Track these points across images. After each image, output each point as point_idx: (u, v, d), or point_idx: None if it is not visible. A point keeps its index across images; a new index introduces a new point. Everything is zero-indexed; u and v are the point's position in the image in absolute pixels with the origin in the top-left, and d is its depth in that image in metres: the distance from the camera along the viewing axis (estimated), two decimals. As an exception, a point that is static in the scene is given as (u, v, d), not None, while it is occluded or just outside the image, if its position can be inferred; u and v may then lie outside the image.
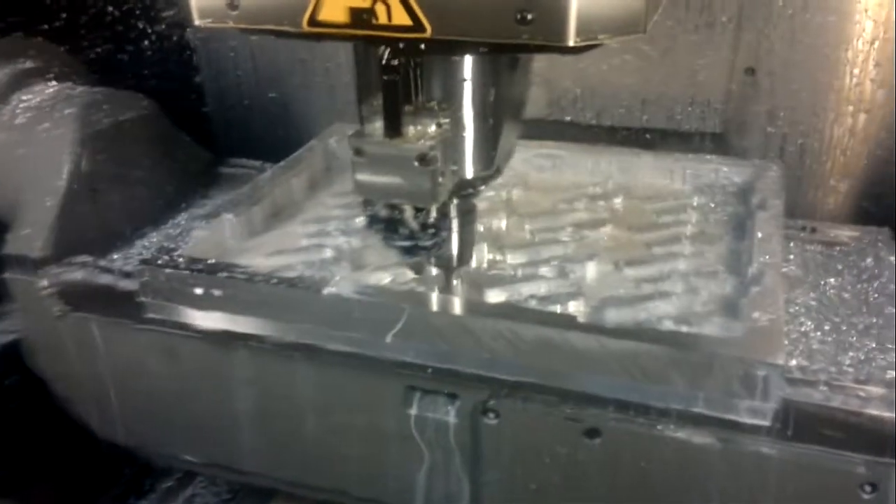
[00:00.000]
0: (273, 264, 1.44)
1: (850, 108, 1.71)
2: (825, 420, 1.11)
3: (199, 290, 1.31)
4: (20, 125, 1.60)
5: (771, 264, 1.27)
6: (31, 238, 1.50)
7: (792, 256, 1.49)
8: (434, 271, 1.33)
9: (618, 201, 1.61)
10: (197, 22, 1.05)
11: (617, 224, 1.53)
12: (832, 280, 1.42)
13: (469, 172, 1.17)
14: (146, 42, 1.95)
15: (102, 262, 1.54)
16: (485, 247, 1.46)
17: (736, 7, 1.72)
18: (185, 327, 1.36)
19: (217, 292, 1.31)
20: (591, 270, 1.38)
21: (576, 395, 1.18)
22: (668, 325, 1.22)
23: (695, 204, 1.60)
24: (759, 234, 1.36)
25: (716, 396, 1.10)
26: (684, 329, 1.21)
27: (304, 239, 1.55)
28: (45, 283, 1.49)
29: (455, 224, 1.25)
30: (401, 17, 0.93)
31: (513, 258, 1.43)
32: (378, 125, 1.10)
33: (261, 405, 1.42)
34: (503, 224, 1.55)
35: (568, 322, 1.16)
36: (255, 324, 1.31)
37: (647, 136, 1.85)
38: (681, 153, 1.70)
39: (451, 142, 1.12)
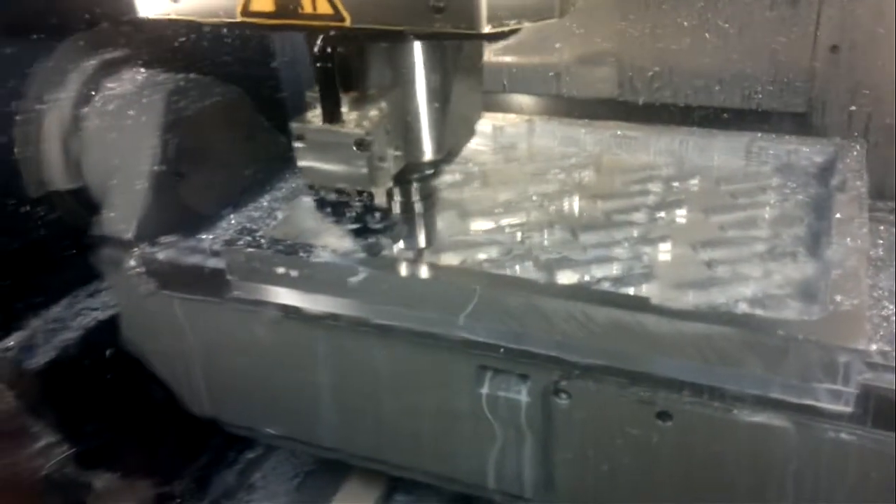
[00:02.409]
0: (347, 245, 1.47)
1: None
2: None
3: (280, 270, 1.36)
4: (110, 112, 1.67)
5: (853, 247, 1.24)
6: (121, 220, 1.57)
7: (879, 240, 1.44)
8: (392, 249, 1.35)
9: (693, 182, 1.58)
10: (140, 13, 1.11)
11: (692, 206, 1.51)
12: (919, 265, 1.38)
13: (415, 157, 1.20)
14: (225, 29, 2.00)
15: (188, 243, 1.59)
16: (556, 228, 1.46)
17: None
18: (266, 305, 1.41)
19: (295, 272, 1.35)
20: (664, 252, 1.37)
21: (648, 378, 1.18)
22: (744, 309, 1.20)
23: (773, 185, 1.56)
24: (839, 216, 1.32)
25: (793, 381, 1.08)
26: (760, 312, 1.18)
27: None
28: (133, 263, 1.56)
29: (416, 206, 1.27)
30: (323, 7, 0.98)
31: (585, 239, 1.43)
32: (319, 111, 1.13)
33: (337, 381, 1.46)
34: (575, 205, 1.55)
35: (641, 304, 1.16)
36: (332, 303, 1.35)
37: (725, 115, 1.82)
38: (758, 133, 1.66)
39: (394, 127, 1.15)
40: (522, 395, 1.29)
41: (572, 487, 1.37)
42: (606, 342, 1.18)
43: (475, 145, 1.82)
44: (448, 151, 1.25)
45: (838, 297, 1.13)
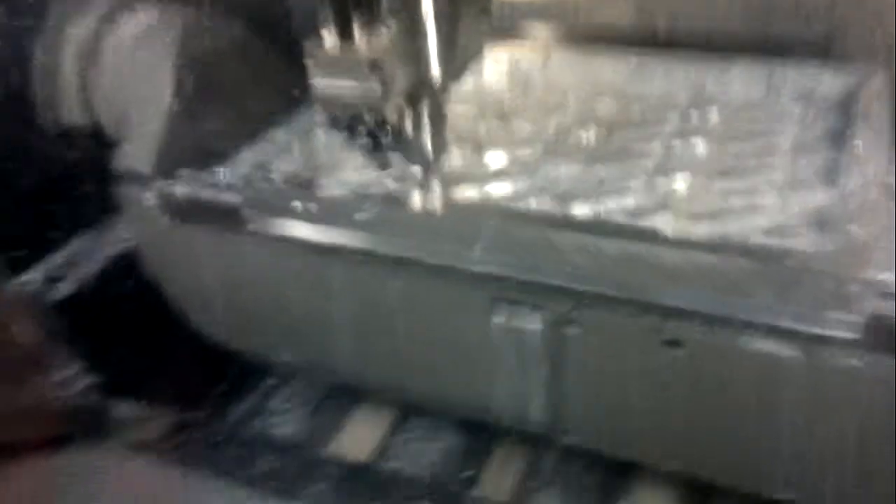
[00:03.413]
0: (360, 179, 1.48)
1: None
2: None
3: (293, 204, 1.37)
4: (126, 48, 1.67)
5: (870, 175, 1.23)
6: (139, 155, 1.59)
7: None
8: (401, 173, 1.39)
9: (711, 112, 1.57)
10: None
11: (709, 135, 1.49)
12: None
13: (424, 76, 1.24)
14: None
15: (205, 177, 1.61)
16: (575, 160, 1.46)
17: None
18: (282, 239, 1.43)
19: (312, 206, 1.36)
20: (679, 183, 1.36)
21: (659, 308, 1.19)
22: (758, 239, 1.20)
23: (793, 114, 1.54)
24: (859, 144, 1.30)
25: (804, 310, 1.09)
26: (774, 242, 1.19)
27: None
28: (152, 197, 1.58)
29: (424, 123, 1.29)
30: None
31: (600, 170, 1.43)
32: (332, 31, 1.15)
33: (353, 311, 1.50)
34: (592, 136, 1.54)
35: (652, 236, 1.16)
36: (346, 236, 1.36)
37: (745, 42, 1.78)
38: (777, 60, 1.62)
39: (404, 47, 1.18)
40: (535, 324, 1.31)
41: (584, 415, 1.41)
42: (618, 273, 1.19)
43: (490, 74, 1.80)
44: (457, 70, 1.29)
45: (852, 228, 1.12)
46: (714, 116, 1.56)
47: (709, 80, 1.65)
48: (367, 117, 1.22)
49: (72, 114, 1.72)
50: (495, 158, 1.51)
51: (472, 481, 1.72)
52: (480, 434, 1.78)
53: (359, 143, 1.28)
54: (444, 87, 1.28)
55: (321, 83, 1.19)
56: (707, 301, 1.15)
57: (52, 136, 1.72)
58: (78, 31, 1.69)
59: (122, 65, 1.68)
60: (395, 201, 1.34)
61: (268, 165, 1.54)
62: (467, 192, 1.42)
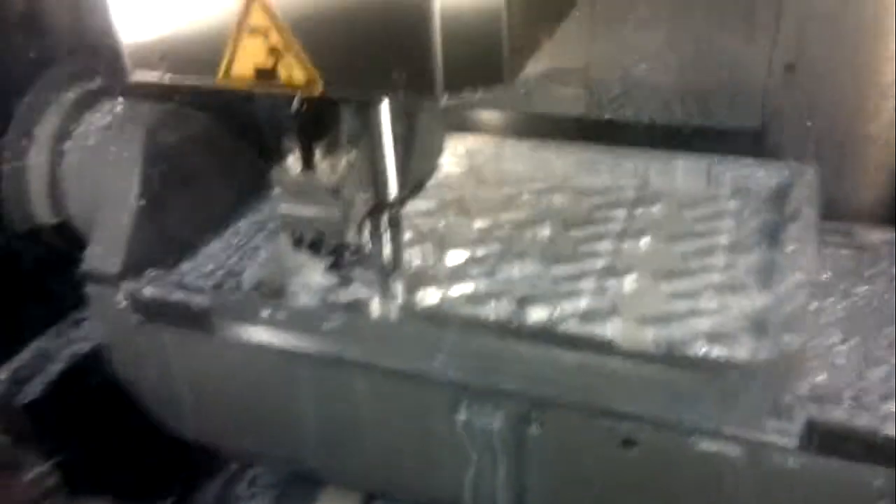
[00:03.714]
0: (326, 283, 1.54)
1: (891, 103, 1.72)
2: (847, 436, 1.19)
3: (264, 313, 1.43)
4: (91, 146, 1.71)
5: (800, 282, 1.33)
6: (108, 255, 1.62)
7: (826, 263, 1.53)
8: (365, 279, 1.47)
9: (655, 209, 1.67)
10: (133, 78, 1.19)
11: (655, 233, 1.59)
12: (863, 288, 1.47)
13: (383, 196, 1.32)
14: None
15: (173, 277, 1.65)
16: (530, 260, 1.54)
17: (775, 3, 1.74)
18: (250, 343, 1.48)
19: (280, 315, 1.42)
20: (627, 285, 1.46)
21: (614, 411, 1.28)
22: (702, 346, 1.29)
23: (730, 209, 1.65)
24: (790, 249, 1.41)
25: (744, 419, 1.18)
26: (716, 351, 1.28)
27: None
28: (121, 297, 1.61)
29: (386, 236, 1.38)
30: (297, 75, 1.06)
31: (555, 271, 1.51)
32: (296, 159, 1.24)
33: (320, 409, 1.55)
34: (545, 233, 1.63)
35: (604, 347, 1.25)
36: (313, 343, 1.42)
37: (686, 132, 1.89)
38: (717, 155, 1.74)
39: (364, 171, 1.28)
40: (496, 422, 1.38)
41: (545, 505, 1.48)
42: (574, 381, 1.27)
43: (449, 167, 1.89)
44: (413, 187, 1.39)
45: (785, 337, 1.22)
46: (658, 213, 1.66)
47: (652, 173, 1.75)
48: (329, 238, 1.29)
49: (40, 212, 1.75)
50: (455, 257, 1.58)
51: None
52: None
53: (321, 259, 1.35)
54: (402, 203, 1.36)
55: (286, 208, 1.27)
56: (656, 408, 1.24)
57: (20, 233, 1.74)
58: (44, 131, 1.73)
59: (87, 163, 1.73)
60: (361, 310, 1.40)
61: (235, 269, 1.59)
62: (429, 295, 1.49)
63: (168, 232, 1.72)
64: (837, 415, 1.19)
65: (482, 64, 1.01)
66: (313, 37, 1.03)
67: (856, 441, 1.18)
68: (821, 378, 1.27)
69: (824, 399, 1.22)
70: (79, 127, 1.74)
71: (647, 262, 1.52)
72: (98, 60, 1.77)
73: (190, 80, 1.15)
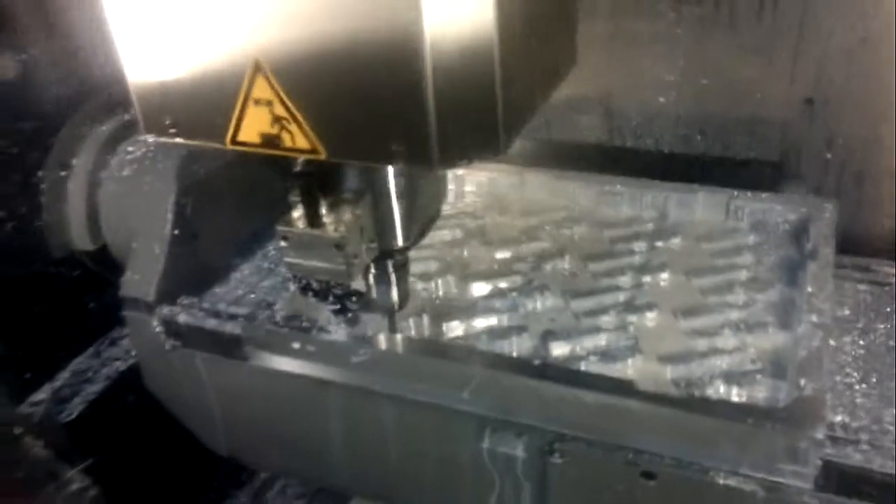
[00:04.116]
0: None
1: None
2: (863, 478, 1.23)
3: (295, 345, 1.48)
4: (126, 177, 1.77)
5: (817, 324, 1.37)
6: (144, 283, 1.68)
7: (845, 299, 1.56)
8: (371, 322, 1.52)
9: (675, 241, 1.70)
10: (146, 136, 1.24)
11: (674, 268, 1.63)
12: (882, 325, 1.50)
13: (388, 245, 1.37)
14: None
15: (206, 303, 1.71)
16: (551, 294, 1.58)
17: (794, 39, 1.77)
18: (281, 372, 1.54)
19: (310, 348, 1.48)
20: (648, 321, 1.50)
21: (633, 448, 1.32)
22: (720, 386, 1.33)
23: (749, 244, 1.68)
24: (808, 289, 1.45)
25: (760, 461, 1.22)
26: (734, 391, 1.32)
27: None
28: (156, 322, 1.68)
29: (391, 279, 1.42)
30: (301, 143, 1.10)
31: (575, 305, 1.56)
32: (300, 215, 1.30)
33: (347, 433, 1.60)
34: (567, 266, 1.67)
35: (625, 389, 1.29)
36: (341, 374, 1.48)
37: (704, 163, 1.93)
38: (735, 188, 1.77)
39: (368, 224, 1.32)
40: (519, 451, 1.43)
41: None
42: (595, 420, 1.31)
43: (472, 196, 1.93)
44: (417, 235, 1.43)
45: (802, 381, 1.26)
46: (678, 247, 1.70)
47: (672, 205, 1.79)
48: (335, 288, 1.37)
49: (78, 239, 1.82)
50: (478, 289, 1.63)
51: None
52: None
53: (328, 306, 1.43)
54: (407, 249, 1.41)
55: (292, 260, 1.33)
56: (674, 448, 1.28)
57: (60, 259, 1.81)
58: (81, 162, 1.79)
59: (122, 194, 1.78)
60: (385, 348, 1.46)
61: (266, 295, 1.65)
62: (453, 328, 1.53)
63: (200, 258, 1.78)
64: (853, 456, 1.23)
65: (478, 137, 1.05)
66: (315, 109, 1.07)
67: (871, 483, 1.21)
68: (837, 419, 1.30)
69: (840, 441, 1.25)
70: (114, 158, 1.80)
71: (666, 297, 1.56)
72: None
73: (199, 144, 1.20)
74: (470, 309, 1.58)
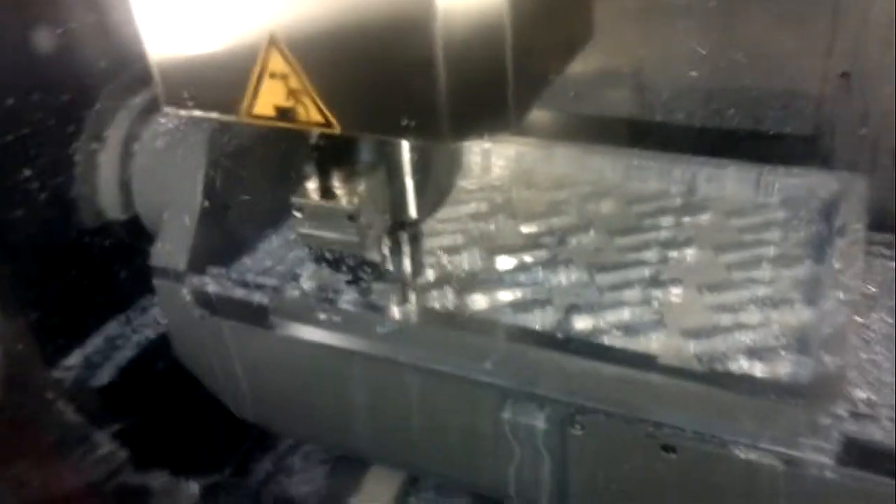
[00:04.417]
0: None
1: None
2: (885, 454, 1.22)
3: (321, 315, 1.50)
4: (158, 149, 1.80)
5: (844, 300, 1.35)
6: (174, 253, 1.71)
7: (873, 276, 1.54)
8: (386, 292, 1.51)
9: (703, 217, 1.69)
10: (165, 108, 1.25)
11: (701, 243, 1.62)
12: (911, 303, 1.48)
13: (402, 217, 1.38)
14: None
15: (234, 273, 1.73)
16: (576, 268, 1.58)
17: (831, 11, 1.74)
18: (307, 341, 1.56)
19: (336, 318, 1.50)
20: (672, 296, 1.49)
21: (654, 421, 1.33)
22: (742, 361, 1.33)
23: (778, 220, 1.66)
24: (836, 265, 1.43)
25: (781, 436, 1.22)
26: (757, 367, 1.31)
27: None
28: (186, 292, 1.71)
29: (406, 250, 1.42)
30: (315, 116, 1.11)
31: (600, 280, 1.55)
32: (315, 187, 1.31)
33: (372, 402, 1.63)
34: (592, 240, 1.67)
35: (648, 362, 1.29)
36: (365, 344, 1.50)
37: (737, 138, 1.90)
38: (767, 163, 1.74)
39: (382, 196, 1.33)
40: (540, 422, 1.44)
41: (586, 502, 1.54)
42: (616, 393, 1.32)
43: (499, 170, 1.93)
44: (431, 206, 1.44)
45: (825, 357, 1.25)
46: (705, 222, 1.68)
47: (701, 179, 1.77)
48: (347, 257, 1.37)
49: (110, 209, 1.85)
50: (503, 262, 1.63)
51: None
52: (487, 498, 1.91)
53: (342, 277, 1.43)
54: (421, 221, 1.42)
55: (306, 231, 1.35)
56: (695, 422, 1.28)
57: (93, 229, 1.85)
58: (114, 134, 1.82)
59: (154, 165, 1.82)
60: (409, 320, 1.47)
61: (293, 265, 1.67)
62: (478, 301, 1.54)
63: (230, 230, 1.80)
64: (875, 433, 1.22)
65: (488, 112, 1.05)
66: (328, 83, 1.08)
67: (893, 460, 1.20)
68: (860, 395, 1.29)
69: (862, 417, 1.24)
70: (146, 130, 1.83)
71: (692, 272, 1.55)
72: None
73: (216, 116, 1.22)
74: (494, 282, 1.58)
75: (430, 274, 1.62)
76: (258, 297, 1.63)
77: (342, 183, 1.30)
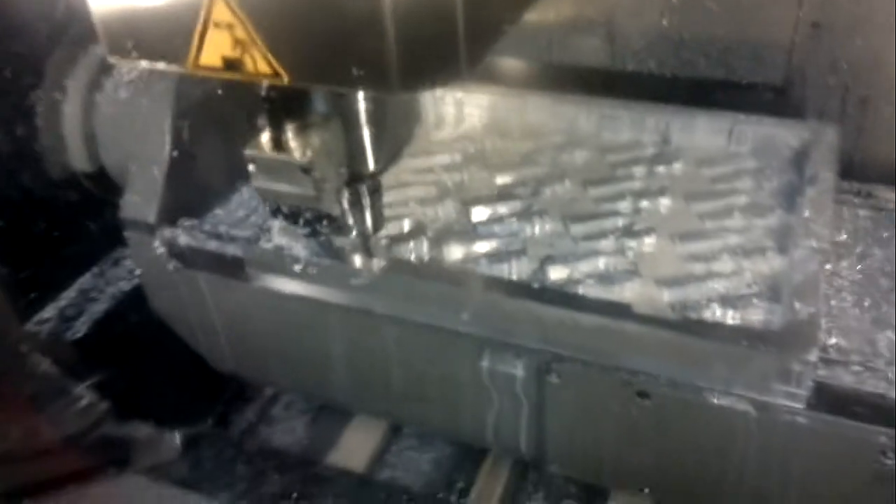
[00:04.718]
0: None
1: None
2: (854, 399, 1.26)
3: (296, 267, 1.50)
4: (123, 99, 1.76)
5: (815, 248, 1.38)
6: (144, 205, 1.68)
7: (843, 224, 1.57)
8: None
9: (676, 167, 1.70)
10: (109, 58, 1.20)
11: (674, 193, 1.63)
12: (880, 250, 1.51)
13: (359, 169, 1.35)
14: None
15: (207, 224, 1.71)
16: (550, 218, 1.59)
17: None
18: (282, 293, 1.55)
19: (311, 270, 1.49)
20: (646, 246, 1.51)
21: (629, 369, 1.36)
22: (715, 309, 1.35)
23: (749, 169, 1.68)
24: (807, 213, 1.45)
25: (753, 382, 1.25)
26: (729, 314, 1.34)
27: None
28: (158, 243, 1.69)
29: (365, 202, 1.40)
30: (263, 67, 1.07)
31: (575, 230, 1.56)
32: (268, 139, 1.28)
33: (349, 352, 1.64)
34: (566, 191, 1.67)
35: (623, 311, 1.31)
36: (341, 296, 1.50)
37: (708, 87, 1.91)
38: (739, 112, 1.76)
39: (337, 148, 1.30)
40: (518, 370, 1.46)
41: (562, 450, 1.57)
42: (592, 342, 1.34)
43: (472, 120, 1.92)
44: (389, 157, 1.42)
45: (797, 305, 1.28)
46: (678, 171, 1.69)
47: (674, 129, 1.78)
48: (305, 212, 1.36)
49: (77, 161, 1.81)
50: (478, 213, 1.63)
51: (463, 492, 1.90)
52: (468, 446, 1.95)
53: (299, 230, 1.41)
54: (379, 172, 1.40)
55: (261, 183, 1.33)
56: (669, 370, 1.31)
57: (60, 181, 1.80)
58: (75, 83, 1.77)
59: (119, 116, 1.77)
60: (385, 272, 1.47)
61: (265, 216, 1.65)
62: (453, 251, 1.55)
63: (200, 180, 1.78)
64: (845, 378, 1.26)
65: (438, 60, 1.04)
66: (275, 33, 1.05)
67: (862, 404, 1.24)
68: (832, 341, 1.33)
69: (833, 363, 1.28)
70: (109, 80, 1.77)
71: (665, 222, 1.57)
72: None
73: (162, 67, 1.17)
74: (469, 233, 1.58)
75: (405, 225, 1.62)
76: (232, 249, 1.62)
77: (295, 135, 1.28)
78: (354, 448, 2.03)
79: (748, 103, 1.83)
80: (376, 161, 1.36)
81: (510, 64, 2.05)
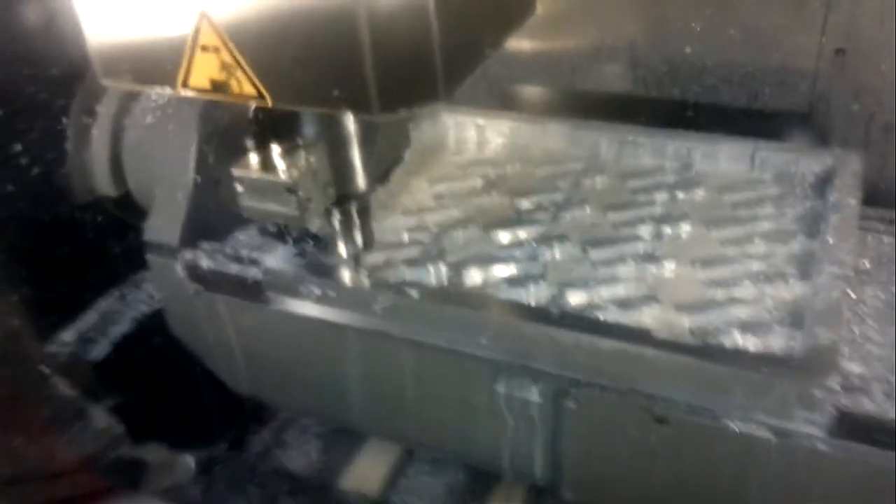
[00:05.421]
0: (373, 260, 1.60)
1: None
2: (876, 426, 1.23)
3: (316, 290, 1.50)
4: (150, 124, 1.79)
5: (838, 275, 1.36)
6: (167, 228, 1.70)
7: (867, 251, 1.55)
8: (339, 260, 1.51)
9: (698, 192, 1.69)
10: (102, 81, 1.25)
11: (695, 219, 1.62)
12: (904, 279, 1.49)
13: (347, 190, 1.39)
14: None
15: (228, 248, 1.73)
16: (570, 243, 1.59)
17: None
18: (302, 315, 1.56)
19: (331, 293, 1.49)
20: (666, 272, 1.49)
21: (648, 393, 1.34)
22: (736, 335, 1.33)
23: (772, 195, 1.66)
24: (830, 240, 1.43)
25: (773, 409, 1.23)
26: (750, 341, 1.32)
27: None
28: (179, 267, 1.70)
29: (352, 222, 1.43)
30: (248, 89, 1.12)
31: (594, 255, 1.56)
32: (256, 159, 1.33)
33: (366, 376, 1.63)
34: (586, 216, 1.67)
35: (642, 337, 1.30)
36: (360, 319, 1.50)
37: (731, 114, 1.90)
38: (761, 139, 1.75)
39: (325, 168, 1.34)
40: (534, 395, 1.45)
41: (578, 476, 1.55)
42: (611, 367, 1.32)
43: (495, 145, 1.93)
44: (377, 177, 1.46)
45: (818, 331, 1.26)
46: (700, 197, 1.68)
47: (696, 155, 1.77)
48: (291, 229, 1.40)
49: (103, 185, 1.84)
50: (498, 238, 1.63)
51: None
52: (482, 471, 1.93)
53: (288, 248, 1.47)
54: (367, 193, 1.42)
55: (248, 204, 1.37)
56: (689, 395, 1.29)
57: (85, 204, 1.84)
58: (105, 109, 1.81)
59: (146, 141, 1.80)
60: (406, 291, 1.47)
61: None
62: (473, 276, 1.54)
63: (222, 204, 1.79)
64: (867, 405, 1.23)
65: (416, 83, 1.06)
66: (259, 56, 1.08)
67: (884, 432, 1.21)
68: (853, 368, 1.30)
69: (855, 389, 1.25)
70: (137, 105, 1.81)
71: (686, 247, 1.55)
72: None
73: (154, 89, 1.22)
74: (489, 257, 1.58)
75: (424, 249, 1.62)
76: (253, 272, 1.63)
77: (283, 156, 1.31)
78: (368, 472, 2.02)
79: (772, 130, 1.83)
80: (362, 182, 1.39)
81: (533, 91, 2.07)
